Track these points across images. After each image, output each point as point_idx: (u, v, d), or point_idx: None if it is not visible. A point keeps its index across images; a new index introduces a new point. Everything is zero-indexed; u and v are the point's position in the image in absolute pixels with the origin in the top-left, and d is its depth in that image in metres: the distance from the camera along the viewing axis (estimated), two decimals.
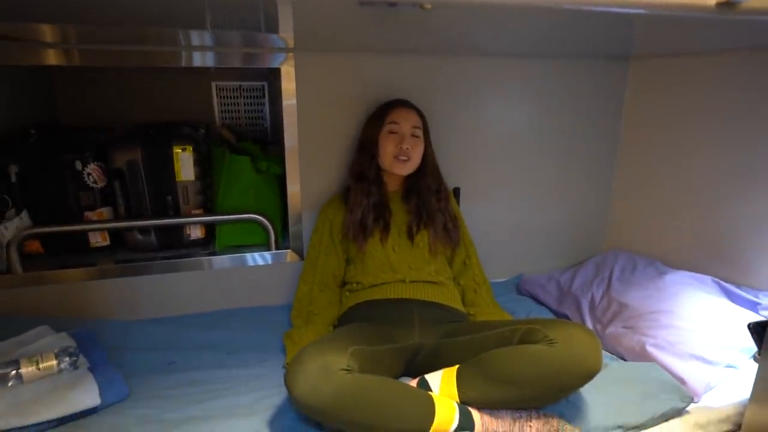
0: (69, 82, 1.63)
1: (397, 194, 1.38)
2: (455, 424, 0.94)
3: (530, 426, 0.96)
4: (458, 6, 0.72)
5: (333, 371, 0.88)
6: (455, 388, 1.00)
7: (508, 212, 1.74)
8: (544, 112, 1.67)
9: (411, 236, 1.32)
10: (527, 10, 0.67)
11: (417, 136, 1.31)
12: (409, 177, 1.36)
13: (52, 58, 1.23)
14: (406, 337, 1.13)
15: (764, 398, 0.95)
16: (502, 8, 0.73)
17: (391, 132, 1.29)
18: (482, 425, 0.96)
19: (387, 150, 1.29)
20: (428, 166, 1.36)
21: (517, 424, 0.96)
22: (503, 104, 1.63)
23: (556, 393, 0.97)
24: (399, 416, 0.92)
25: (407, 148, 1.27)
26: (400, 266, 1.29)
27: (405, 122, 1.30)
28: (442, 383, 1.02)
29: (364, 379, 0.92)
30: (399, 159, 1.29)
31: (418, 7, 0.69)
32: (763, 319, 0.98)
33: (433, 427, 0.93)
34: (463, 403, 0.99)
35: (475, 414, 0.97)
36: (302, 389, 0.85)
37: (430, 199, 1.35)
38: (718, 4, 0.71)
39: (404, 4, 0.70)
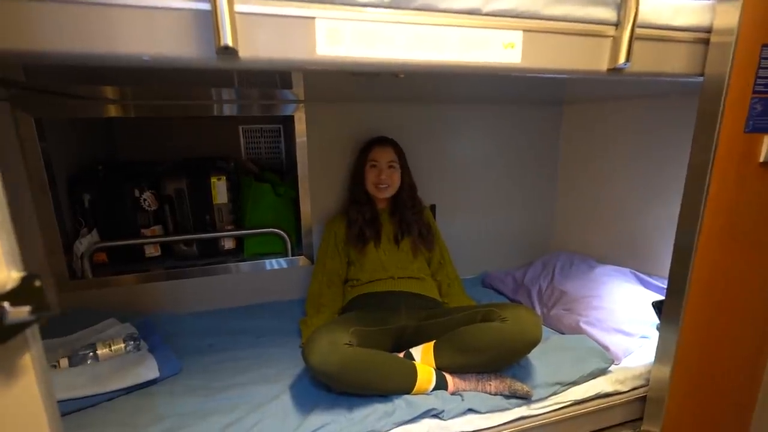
0: (126, 127, 1.67)
1: (384, 211, 1.42)
2: (433, 383, 1.01)
3: (490, 384, 1.02)
4: (419, 75, 0.83)
5: (338, 345, 0.94)
6: (432, 358, 1.06)
7: (475, 223, 1.78)
8: (500, 145, 1.73)
9: (397, 242, 1.37)
10: (469, 74, 0.78)
11: (393, 167, 1.37)
12: (392, 197, 1.41)
13: (113, 111, 1.29)
14: (395, 320, 1.18)
15: (664, 359, 1.03)
16: (449, 74, 0.83)
17: (372, 166, 1.36)
18: (453, 384, 1.02)
19: (369, 180, 1.37)
20: (405, 188, 1.41)
21: (479, 383, 1.02)
22: (467, 139, 1.69)
23: (509, 358, 1.04)
24: (389, 378, 0.98)
25: (384, 178, 1.35)
26: (389, 266, 1.33)
27: (382, 158, 1.36)
28: (423, 354, 1.07)
29: (362, 351, 0.98)
30: (378, 187, 1.36)
31: (394, 75, 0.80)
32: (662, 298, 1.06)
33: (416, 386, 0.99)
34: (439, 369, 1.05)
35: (448, 377, 1.03)
36: (316, 359, 0.92)
37: (407, 213, 1.40)
38: (608, 70, 0.82)
39: (384, 74, 0.82)
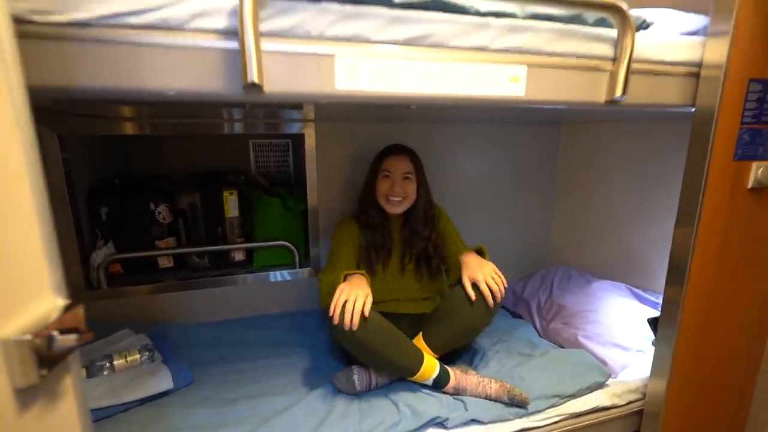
0: (141, 142, 1.68)
1: (396, 226, 1.32)
2: (435, 373, 1.05)
3: (490, 387, 1.04)
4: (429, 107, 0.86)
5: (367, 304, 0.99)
6: (424, 344, 1.11)
7: (476, 237, 1.71)
8: (500, 162, 1.76)
9: (404, 264, 1.30)
10: (477, 106, 0.81)
11: (409, 179, 1.25)
12: (405, 212, 1.29)
13: (129, 128, 1.30)
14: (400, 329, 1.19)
15: (660, 374, 1.05)
16: (458, 106, 0.86)
17: (385, 176, 1.25)
18: (455, 379, 1.06)
19: (380, 191, 1.25)
20: (420, 203, 1.28)
21: (480, 384, 1.05)
22: (469, 156, 1.71)
23: (479, 315, 1.10)
24: (401, 352, 1.04)
25: (398, 190, 1.23)
26: (395, 290, 1.29)
27: (396, 169, 1.24)
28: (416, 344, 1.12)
29: (384, 320, 1.04)
30: (390, 200, 1.24)
31: (407, 107, 0.83)
32: (658, 314, 1.08)
33: (421, 370, 1.03)
34: (433, 352, 1.10)
35: (451, 371, 1.06)
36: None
37: (419, 230, 1.28)
38: (606, 101, 0.85)
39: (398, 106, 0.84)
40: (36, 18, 0.53)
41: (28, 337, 0.37)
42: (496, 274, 1.09)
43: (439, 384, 1.06)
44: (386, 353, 1.02)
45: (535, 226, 1.89)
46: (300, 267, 1.54)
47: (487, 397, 1.04)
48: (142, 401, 1.02)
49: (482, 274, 1.08)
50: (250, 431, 0.92)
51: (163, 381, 1.05)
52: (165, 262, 1.47)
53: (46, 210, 0.42)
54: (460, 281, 1.13)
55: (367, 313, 0.98)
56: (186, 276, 1.44)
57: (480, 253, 1.20)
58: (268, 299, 1.56)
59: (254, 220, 1.53)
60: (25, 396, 0.38)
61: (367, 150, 1.52)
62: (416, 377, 1.05)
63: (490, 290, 1.07)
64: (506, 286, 1.10)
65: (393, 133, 1.57)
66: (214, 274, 1.45)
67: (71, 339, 0.40)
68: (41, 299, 0.41)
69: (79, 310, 0.43)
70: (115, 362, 1.06)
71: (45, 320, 0.40)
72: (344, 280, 1.06)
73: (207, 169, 1.70)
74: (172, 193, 1.45)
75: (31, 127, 0.40)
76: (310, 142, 1.46)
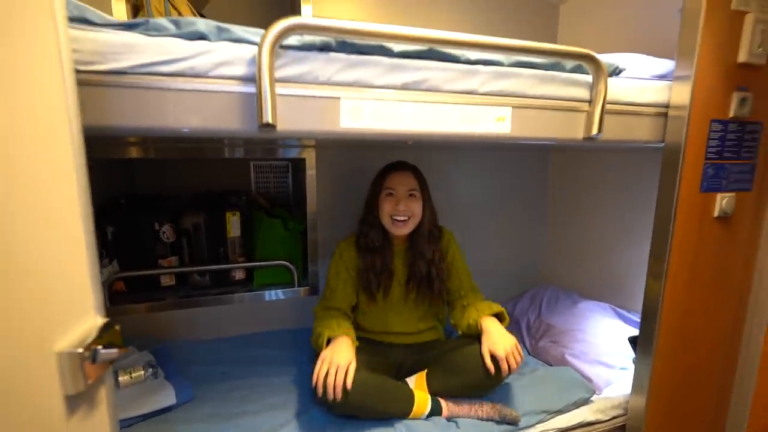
0: (146, 164, 1.72)
1: (400, 250, 1.27)
2: (428, 408, 1.07)
3: (481, 409, 1.08)
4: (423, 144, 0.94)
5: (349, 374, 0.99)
6: (425, 384, 1.12)
7: (469, 258, 1.72)
8: (492, 187, 1.84)
9: (406, 292, 1.26)
10: (466, 142, 0.89)
11: (414, 196, 1.19)
12: (411, 232, 1.22)
13: (134, 152, 1.34)
14: (395, 357, 1.23)
15: (640, 390, 1.11)
16: (450, 143, 0.94)
17: (389, 194, 1.19)
18: (447, 409, 1.08)
19: (384, 211, 1.19)
20: (425, 222, 1.22)
21: (472, 408, 1.09)
22: (463, 181, 1.79)
23: (489, 381, 1.08)
24: (390, 403, 1.04)
25: (403, 209, 1.17)
26: (394, 321, 1.27)
27: (400, 186, 1.18)
28: (416, 382, 1.13)
29: (367, 377, 1.03)
30: (395, 221, 1.18)
31: (404, 142, 0.91)
32: (637, 334, 1.15)
33: (413, 411, 1.05)
34: (433, 395, 1.10)
35: (443, 402, 1.09)
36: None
37: (424, 252, 1.21)
38: (584, 138, 0.94)
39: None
40: (81, 68, 0.60)
41: (79, 350, 0.43)
42: (517, 350, 1.05)
43: (432, 416, 1.08)
44: (375, 408, 1.03)
45: (525, 248, 1.96)
46: (299, 286, 1.59)
47: (479, 419, 1.08)
48: (145, 417, 1.05)
49: (504, 351, 1.03)
50: None
51: (166, 397, 1.08)
52: (167, 281, 1.49)
53: (92, 238, 0.48)
54: (477, 338, 1.10)
55: (349, 384, 0.96)
56: (187, 294, 1.46)
57: (500, 317, 1.15)
58: (267, 317, 1.60)
59: (255, 240, 1.58)
60: (72, 402, 0.43)
61: (366, 172, 1.54)
62: (409, 417, 1.06)
63: (508, 365, 1.03)
64: (523, 361, 1.07)
65: (391, 158, 1.64)
66: (214, 292, 1.47)
67: (113, 353, 0.46)
68: (86, 318, 0.47)
69: (117, 328, 0.49)
70: (120, 378, 1.10)
71: (89, 336, 0.46)
72: (327, 344, 1.05)
73: (208, 190, 1.75)
74: (176, 213, 1.50)
75: (85, 167, 0.47)
76: (310, 165, 1.54)
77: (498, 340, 1.06)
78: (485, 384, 1.10)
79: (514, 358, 1.04)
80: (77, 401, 0.44)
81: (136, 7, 1.13)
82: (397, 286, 1.25)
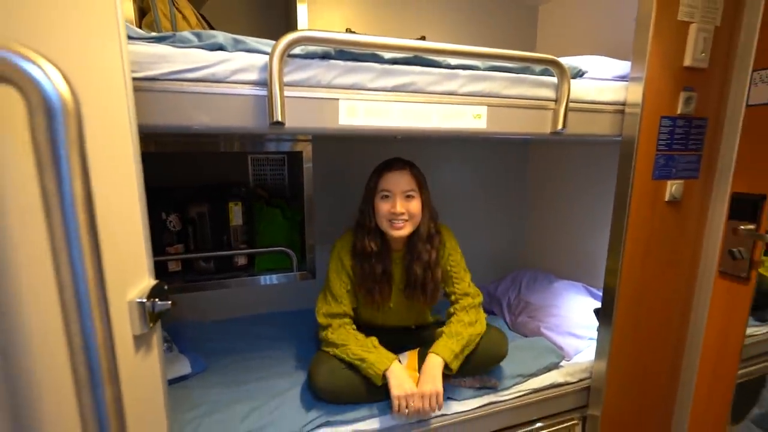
0: (149, 158, 1.83)
1: (398, 252, 1.24)
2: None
3: (464, 381, 1.22)
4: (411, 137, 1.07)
5: (336, 371, 1.11)
6: (416, 362, 1.19)
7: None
8: (476, 177, 1.98)
9: (402, 299, 1.26)
10: (448, 136, 1.02)
11: (412, 196, 1.14)
12: (410, 235, 1.18)
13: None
14: (387, 339, 1.24)
15: (602, 355, 1.26)
16: (433, 137, 1.08)
17: (384, 197, 1.14)
18: None
19: (381, 215, 1.14)
20: (425, 221, 1.18)
21: (455, 380, 1.20)
22: (448, 171, 1.92)
23: (481, 369, 1.21)
24: (378, 393, 1.10)
25: (401, 210, 1.11)
26: (388, 318, 1.31)
27: (396, 187, 1.13)
28: (409, 359, 1.21)
29: (354, 377, 1.10)
30: (393, 224, 1.13)
31: (393, 137, 1.04)
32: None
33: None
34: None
35: None
36: (320, 381, 1.09)
37: (422, 253, 1.18)
38: (551, 133, 1.08)
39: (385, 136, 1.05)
40: None
41: (144, 300, 0.56)
42: (436, 399, 1.06)
43: None
44: (365, 399, 1.10)
45: (508, 234, 2.12)
46: (297, 270, 1.72)
47: (462, 387, 1.21)
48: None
49: (418, 396, 1.05)
50: (261, 404, 1.09)
51: (183, 366, 1.21)
52: (174, 267, 1.60)
53: (145, 216, 0.61)
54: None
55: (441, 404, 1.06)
56: (193, 279, 1.57)
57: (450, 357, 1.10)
58: (268, 299, 1.73)
59: (256, 228, 1.70)
60: (138, 341, 0.57)
61: (358, 164, 1.60)
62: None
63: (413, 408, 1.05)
64: (439, 409, 1.08)
65: (383, 151, 1.75)
66: (219, 277, 1.58)
67: (167, 304, 0.59)
68: (143, 277, 0.60)
69: (165, 287, 0.62)
70: None
71: (146, 292, 0.59)
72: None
73: (205, 182, 1.83)
74: (182, 204, 1.61)
75: (140, 160, 0.60)
76: (307, 158, 1.66)
77: (423, 383, 1.07)
78: (475, 373, 1.22)
79: (429, 403, 1.05)
80: (141, 341, 0.57)
81: (143, 10, 1.23)
82: (396, 290, 1.24)
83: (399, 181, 1.14)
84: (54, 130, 0.30)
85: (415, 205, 1.15)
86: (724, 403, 1.23)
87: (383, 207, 1.14)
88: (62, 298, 0.35)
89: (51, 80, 0.29)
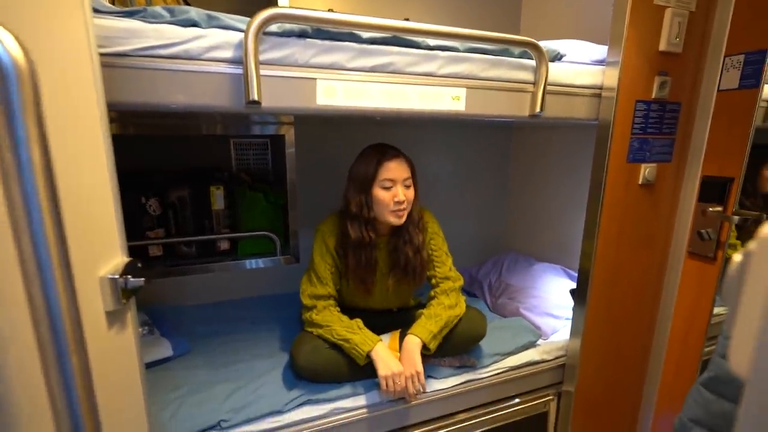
0: (128, 141, 1.76)
1: (384, 238, 1.24)
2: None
3: (444, 360, 1.25)
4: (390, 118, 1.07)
5: (320, 349, 1.12)
6: (398, 343, 1.21)
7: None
8: (461, 160, 1.99)
9: (385, 282, 1.27)
10: (427, 118, 1.03)
11: (409, 186, 1.17)
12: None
13: (114, 129, 1.32)
14: (371, 320, 1.26)
15: (576, 333, 1.31)
16: (413, 118, 1.08)
17: (387, 188, 1.13)
18: None
19: (384, 205, 1.13)
20: (415, 207, 1.21)
21: (435, 361, 1.23)
22: (432, 156, 1.93)
23: (461, 348, 1.24)
24: (361, 373, 1.13)
25: (403, 199, 1.12)
26: (373, 301, 1.32)
27: (398, 177, 1.13)
28: (390, 340, 1.23)
29: (338, 357, 1.12)
30: (396, 213, 1.14)
31: (373, 118, 1.04)
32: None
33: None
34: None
35: None
36: (301, 359, 1.11)
37: (408, 237, 1.21)
38: (529, 115, 1.10)
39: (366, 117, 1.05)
40: None
41: (117, 276, 0.56)
42: (418, 379, 1.09)
43: None
44: (347, 379, 1.12)
45: (490, 219, 2.15)
46: (281, 255, 1.72)
47: (441, 366, 1.24)
48: (148, 365, 1.16)
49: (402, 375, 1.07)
50: (243, 385, 1.11)
51: (164, 349, 1.21)
52: (155, 251, 1.58)
53: (117, 193, 0.61)
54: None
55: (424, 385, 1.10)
56: (175, 263, 1.55)
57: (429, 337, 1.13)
58: (251, 284, 1.73)
59: (240, 212, 1.69)
60: (111, 317, 0.57)
61: (342, 148, 1.63)
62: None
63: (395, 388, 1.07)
64: (423, 391, 1.13)
65: (363, 135, 1.75)
66: (200, 262, 1.56)
67: (140, 281, 0.59)
68: (116, 255, 0.60)
69: (138, 264, 0.62)
70: None
71: (119, 269, 0.59)
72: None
73: (186, 166, 1.81)
74: (162, 188, 1.58)
75: (109, 137, 0.59)
76: (289, 142, 1.64)
77: (403, 365, 1.09)
78: (455, 352, 1.25)
79: (412, 383, 1.08)
80: (113, 317, 0.57)
81: None
82: (380, 275, 1.26)
83: (400, 170, 1.14)
84: (7, 90, 0.29)
85: (412, 192, 1.18)
86: (690, 378, 1.29)
87: (386, 196, 1.13)
88: (24, 268, 0.35)
89: (2, 42, 0.29)
